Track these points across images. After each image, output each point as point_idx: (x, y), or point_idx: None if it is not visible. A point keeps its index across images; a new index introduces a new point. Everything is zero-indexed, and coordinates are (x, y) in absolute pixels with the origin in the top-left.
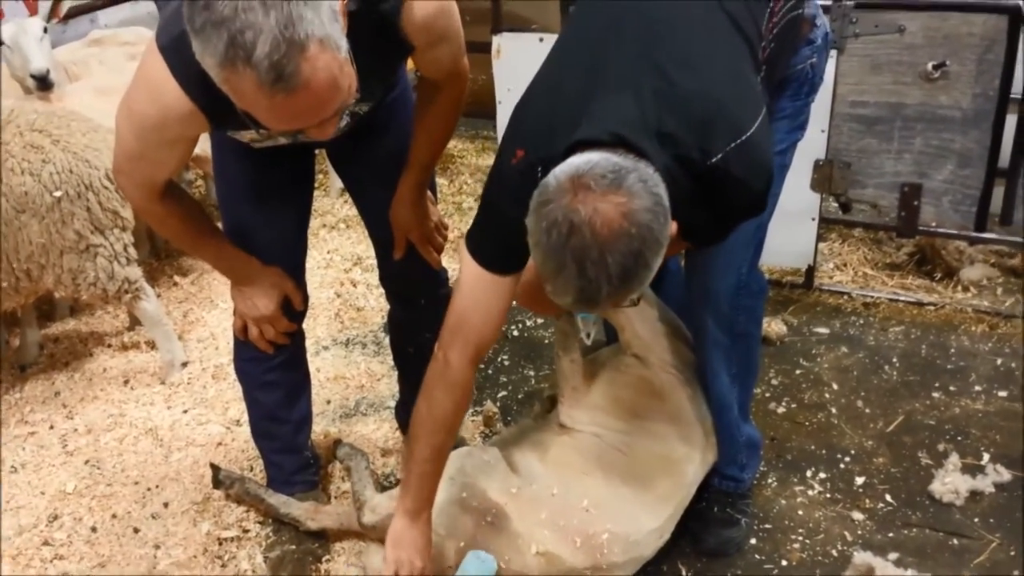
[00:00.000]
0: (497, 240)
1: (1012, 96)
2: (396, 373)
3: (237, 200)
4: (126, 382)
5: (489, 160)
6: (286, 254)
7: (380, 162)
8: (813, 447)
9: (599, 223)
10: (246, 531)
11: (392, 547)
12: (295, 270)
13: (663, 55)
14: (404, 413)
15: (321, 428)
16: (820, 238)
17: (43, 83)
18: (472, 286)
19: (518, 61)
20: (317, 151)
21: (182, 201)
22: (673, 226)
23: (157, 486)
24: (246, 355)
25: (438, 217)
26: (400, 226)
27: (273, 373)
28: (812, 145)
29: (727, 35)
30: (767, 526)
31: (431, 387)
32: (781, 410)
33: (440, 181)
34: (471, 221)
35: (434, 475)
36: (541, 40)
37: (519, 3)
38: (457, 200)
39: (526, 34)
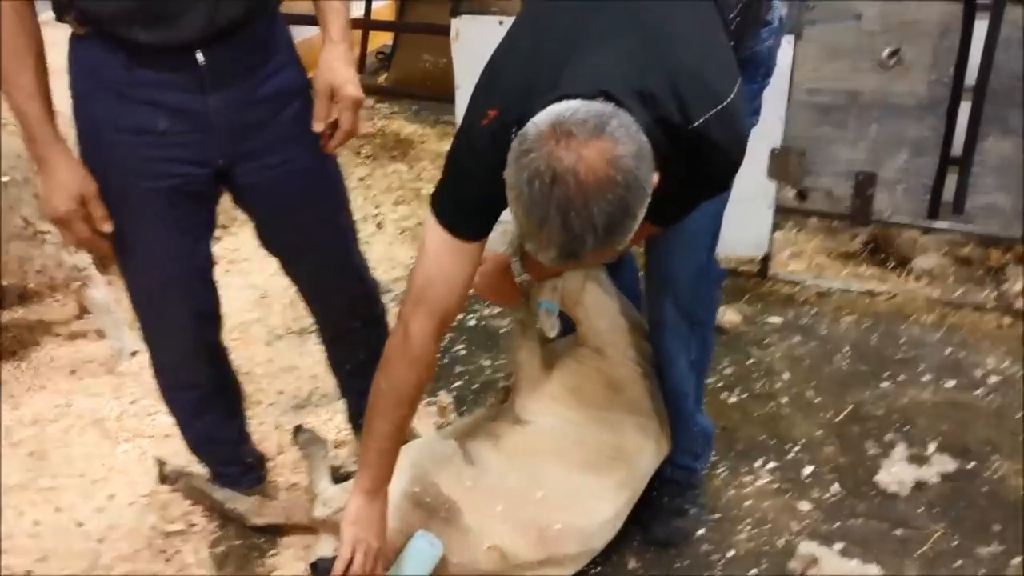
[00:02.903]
0: (465, 204)
1: (966, 85)
2: None
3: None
4: (73, 372)
5: (448, 145)
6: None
7: (284, 189)
8: (763, 437)
9: (583, 170)
10: (192, 525)
11: (349, 525)
12: (198, 273)
13: (643, 18)
14: (356, 416)
15: (272, 419)
16: (776, 227)
17: None
18: (437, 253)
19: (477, 45)
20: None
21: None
22: (655, 177)
23: (103, 478)
24: (169, 383)
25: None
26: (329, 84)
27: (203, 399)
28: (769, 133)
29: (704, 2)
30: (716, 516)
31: (391, 360)
32: (733, 400)
33: (399, 167)
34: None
35: (393, 452)
36: (501, 23)
37: None
38: (416, 186)
39: (486, 17)
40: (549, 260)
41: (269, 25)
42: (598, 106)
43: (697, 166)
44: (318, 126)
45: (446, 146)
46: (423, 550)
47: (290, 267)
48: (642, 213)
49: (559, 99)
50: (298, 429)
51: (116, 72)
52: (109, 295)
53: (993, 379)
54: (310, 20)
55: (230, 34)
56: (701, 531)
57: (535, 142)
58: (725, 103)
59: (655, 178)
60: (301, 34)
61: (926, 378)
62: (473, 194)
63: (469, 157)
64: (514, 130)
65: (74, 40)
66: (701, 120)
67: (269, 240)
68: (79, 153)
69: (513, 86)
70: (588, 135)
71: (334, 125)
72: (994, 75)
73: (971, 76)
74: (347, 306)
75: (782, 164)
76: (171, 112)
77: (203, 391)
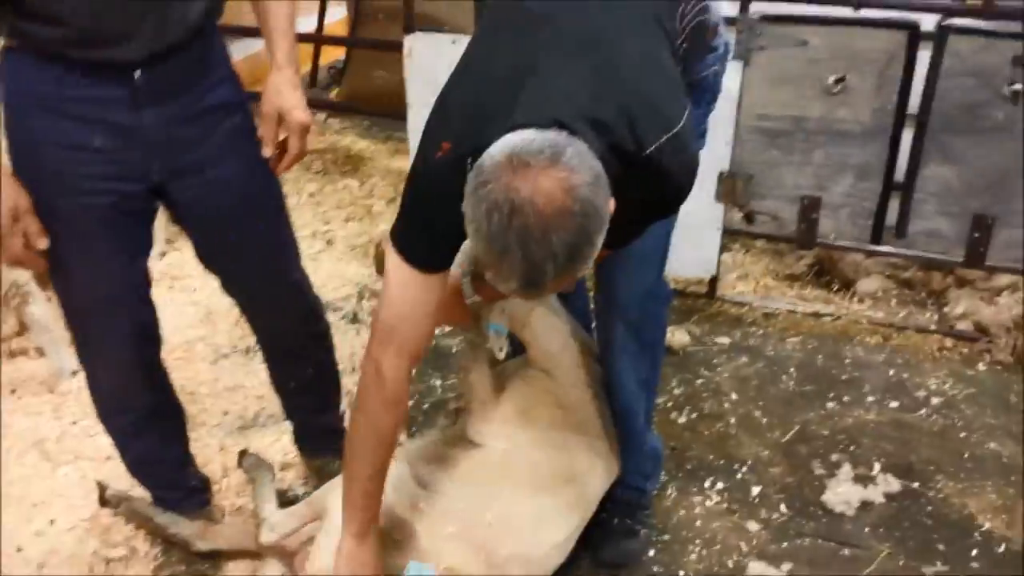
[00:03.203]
0: (425, 236)
1: (909, 112)
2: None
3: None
4: (13, 391)
5: (401, 162)
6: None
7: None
8: (712, 457)
9: (541, 201)
10: (135, 550)
11: (343, 569)
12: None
13: (594, 46)
14: (302, 438)
15: (217, 440)
16: (724, 248)
17: None
18: (402, 290)
19: (430, 62)
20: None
21: None
22: (611, 203)
23: (43, 502)
24: (106, 405)
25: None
26: (277, 109)
27: (142, 422)
28: (717, 157)
29: (653, 29)
30: (666, 537)
31: (366, 402)
32: (682, 420)
33: (350, 182)
34: (389, 222)
35: (377, 492)
36: (454, 42)
37: (432, 3)
38: (367, 203)
39: (439, 35)
40: (510, 290)
41: (207, 41)
42: (552, 135)
43: (649, 190)
44: (267, 150)
45: (398, 163)
46: None
47: (229, 284)
48: (601, 240)
49: (513, 129)
50: (243, 453)
51: (49, 87)
52: (49, 312)
53: (935, 400)
54: (255, 32)
55: (169, 55)
56: (651, 552)
57: (492, 174)
58: (676, 129)
59: (611, 204)
60: (248, 48)
61: (870, 399)
62: (433, 226)
63: (426, 190)
64: (470, 161)
65: (4, 52)
66: (653, 147)
67: (207, 257)
68: (11, 167)
69: (466, 117)
70: (544, 165)
71: (282, 148)
72: (936, 103)
73: (914, 104)
74: (289, 323)
75: (730, 187)
76: (106, 128)
77: (141, 413)
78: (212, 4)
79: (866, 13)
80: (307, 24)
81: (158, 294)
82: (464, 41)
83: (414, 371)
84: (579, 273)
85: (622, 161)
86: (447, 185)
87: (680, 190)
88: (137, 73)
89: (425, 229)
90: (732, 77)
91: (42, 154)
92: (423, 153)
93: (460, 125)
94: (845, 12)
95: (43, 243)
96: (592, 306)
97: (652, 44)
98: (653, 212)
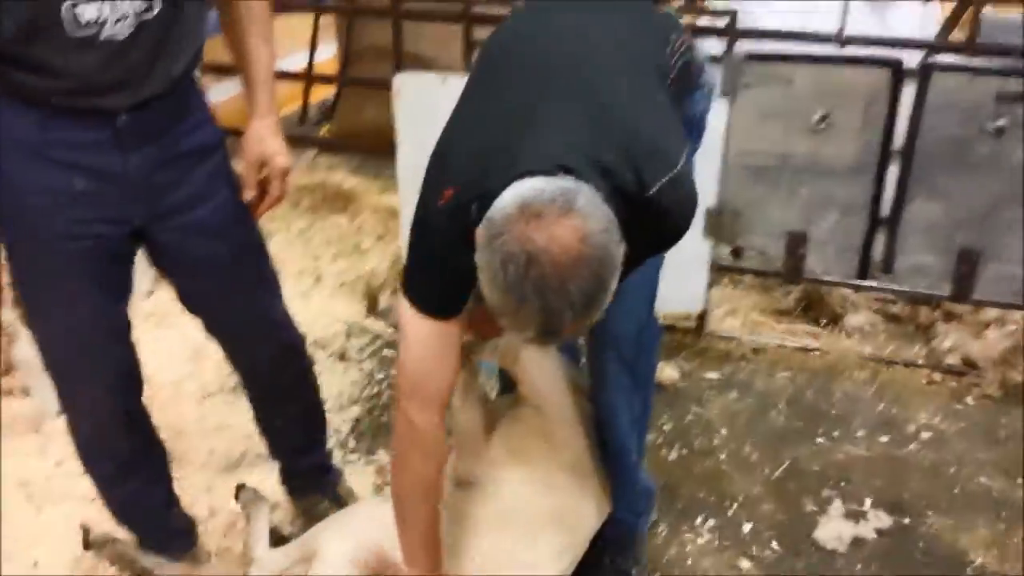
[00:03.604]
0: (437, 285)
1: (894, 148)
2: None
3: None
4: None
5: (391, 199)
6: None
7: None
8: (703, 494)
9: (557, 251)
10: None
11: None
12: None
13: (592, 89)
14: (289, 478)
15: (204, 479)
16: (712, 284)
17: None
18: (423, 341)
19: (420, 101)
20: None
21: None
22: (622, 247)
23: (27, 543)
24: (88, 451)
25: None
26: (259, 156)
27: (124, 468)
28: (704, 193)
29: (648, 70)
30: (657, 575)
31: (406, 456)
32: (673, 456)
33: (339, 220)
34: (378, 259)
35: (436, 537)
36: (443, 81)
37: (421, 42)
38: (356, 240)
39: (428, 75)
40: (527, 340)
41: (185, 86)
42: (561, 182)
43: (650, 230)
44: (248, 193)
45: (387, 200)
46: None
47: (210, 324)
48: (615, 284)
49: (519, 176)
50: (240, 488)
51: (28, 131)
52: (35, 352)
53: (925, 435)
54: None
55: (152, 101)
56: None
57: (504, 225)
58: (678, 168)
59: (623, 248)
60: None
61: (860, 433)
62: (442, 274)
63: (431, 239)
64: (473, 207)
65: None
66: (656, 187)
67: (187, 299)
68: None
69: (467, 163)
70: (557, 214)
71: (262, 191)
72: (921, 140)
73: (899, 140)
74: (271, 362)
75: (717, 224)
76: (87, 171)
77: (124, 459)
78: (195, 58)
79: (851, 51)
80: (298, 62)
81: (145, 331)
82: (453, 80)
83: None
84: (594, 319)
85: (625, 203)
86: (451, 232)
87: (680, 229)
88: (121, 117)
89: (434, 277)
90: (718, 115)
91: (21, 197)
92: (424, 201)
93: (462, 172)
94: (830, 50)
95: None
96: (581, 341)
97: (648, 85)
98: (652, 249)
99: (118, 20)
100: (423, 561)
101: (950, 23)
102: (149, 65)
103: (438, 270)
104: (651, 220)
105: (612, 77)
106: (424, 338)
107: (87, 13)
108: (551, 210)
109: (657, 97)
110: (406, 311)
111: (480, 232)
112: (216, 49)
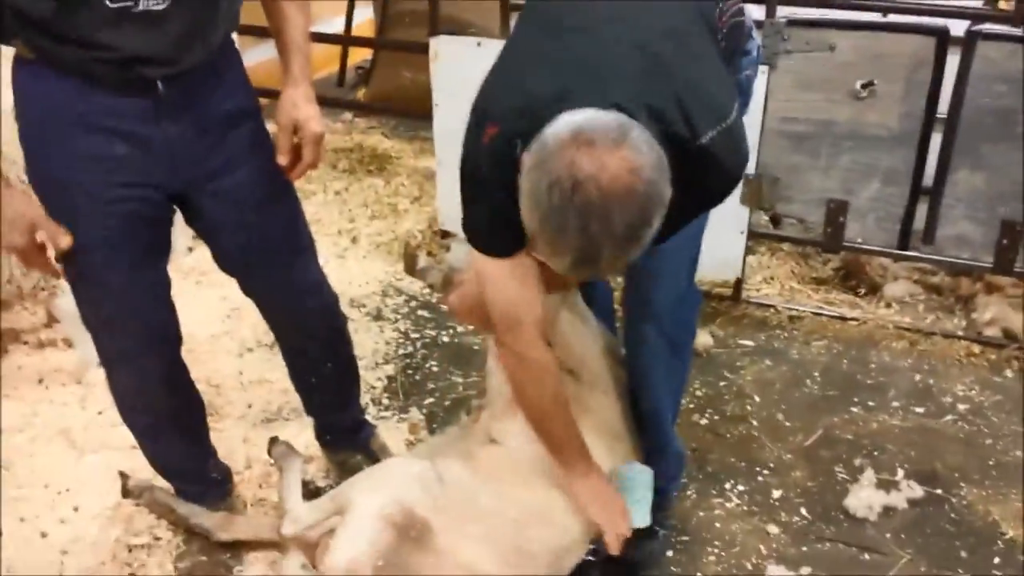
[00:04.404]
0: (500, 225)
1: (938, 116)
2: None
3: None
4: (40, 381)
5: (427, 161)
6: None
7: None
8: (733, 459)
9: (606, 179)
10: (157, 539)
11: (597, 505)
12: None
13: (646, 36)
14: (323, 433)
15: (241, 432)
16: (749, 251)
17: None
18: (499, 278)
19: (456, 65)
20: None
21: None
22: (669, 190)
23: (68, 489)
24: (127, 406)
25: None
26: (293, 120)
27: (162, 422)
28: None
29: (700, 25)
30: (685, 538)
31: (522, 385)
32: (704, 422)
33: (376, 181)
34: (414, 221)
35: (582, 441)
36: (479, 45)
37: (458, 5)
38: (393, 202)
39: (464, 38)
40: (562, 267)
41: (222, 51)
42: (617, 116)
43: (697, 181)
44: (282, 158)
45: (423, 162)
46: (636, 479)
47: (246, 285)
48: (658, 225)
49: (570, 110)
50: (274, 441)
51: (69, 99)
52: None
53: (962, 407)
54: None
55: (190, 71)
56: (670, 553)
57: (554, 150)
58: (729, 121)
59: (670, 191)
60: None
61: (895, 404)
62: (496, 213)
63: (479, 179)
64: (518, 142)
65: (20, 64)
66: (707, 137)
67: (224, 260)
68: (29, 177)
69: (513, 101)
70: (610, 144)
71: (296, 156)
72: (966, 109)
73: (943, 109)
74: (307, 322)
75: (755, 190)
76: (127, 138)
77: (162, 414)
78: (232, 24)
79: (894, 18)
80: (335, 25)
81: (185, 289)
82: (489, 44)
83: (438, 367)
84: (632, 256)
85: (675, 150)
86: (497, 168)
87: (728, 183)
88: (160, 87)
89: (489, 217)
90: (758, 80)
91: (63, 165)
92: (469, 144)
93: (506, 109)
94: (873, 17)
95: (66, 241)
96: (616, 307)
97: (699, 36)
98: (698, 204)
99: None
100: (582, 466)
101: None
102: (187, 36)
103: (492, 209)
104: (700, 171)
105: (662, 27)
106: (500, 277)
107: None
108: (604, 139)
109: (708, 49)
110: (480, 258)
111: (528, 156)
112: (254, 11)
